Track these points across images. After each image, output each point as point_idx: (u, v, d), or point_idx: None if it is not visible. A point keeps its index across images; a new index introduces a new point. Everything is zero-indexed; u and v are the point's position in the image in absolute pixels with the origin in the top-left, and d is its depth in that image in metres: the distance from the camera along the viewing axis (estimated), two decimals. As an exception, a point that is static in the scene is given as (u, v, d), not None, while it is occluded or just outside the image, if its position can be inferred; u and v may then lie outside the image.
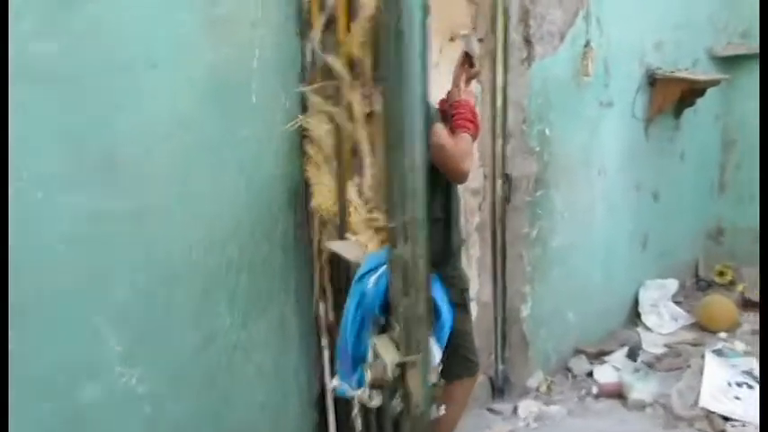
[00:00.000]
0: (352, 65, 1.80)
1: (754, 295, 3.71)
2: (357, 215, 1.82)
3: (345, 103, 1.83)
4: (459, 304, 1.83)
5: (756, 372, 2.86)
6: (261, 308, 1.85)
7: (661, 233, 3.78)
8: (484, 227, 2.77)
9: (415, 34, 1.21)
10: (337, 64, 1.80)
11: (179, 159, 1.61)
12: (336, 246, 1.88)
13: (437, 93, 1.94)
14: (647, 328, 3.45)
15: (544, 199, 2.79)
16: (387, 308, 1.47)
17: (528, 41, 2.55)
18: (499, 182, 2.67)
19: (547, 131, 2.73)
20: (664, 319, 3.50)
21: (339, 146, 1.91)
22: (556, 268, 2.93)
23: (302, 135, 1.88)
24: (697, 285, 4.13)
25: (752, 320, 3.52)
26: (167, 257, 1.61)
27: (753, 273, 4.23)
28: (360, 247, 1.77)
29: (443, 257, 1.80)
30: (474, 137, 1.78)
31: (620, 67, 3.15)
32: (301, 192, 1.94)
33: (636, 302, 3.57)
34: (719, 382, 2.66)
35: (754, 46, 4.15)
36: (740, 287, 3.98)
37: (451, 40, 2.68)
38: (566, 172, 2.88)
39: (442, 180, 1.73)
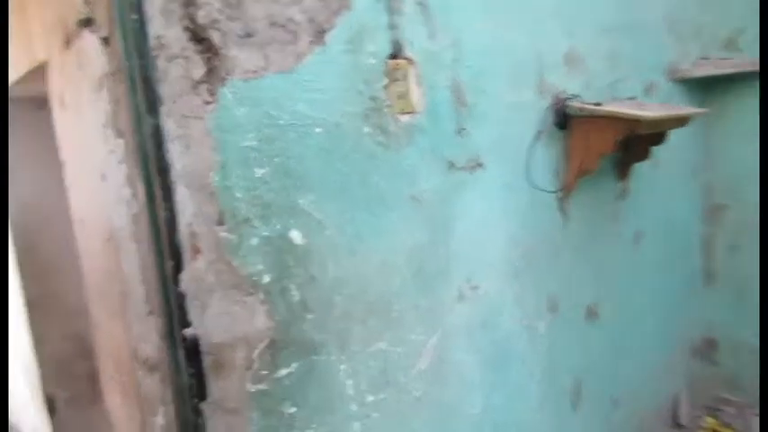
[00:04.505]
0: None
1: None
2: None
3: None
4: None
5: None
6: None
7: (605, 372, 2.26)
8: (170, 443, 1.27)
9: None
10: None
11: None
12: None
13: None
14: None
15: (305, 377, 1.29)
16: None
17: (202, 40, 1.10)
18: (181, 352, 1.19)
19: (293, 236, 1.26)
20: None
21: None
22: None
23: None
24: (678, 443, 2.58)
25: None
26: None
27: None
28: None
29: None
30: None
31: (493, 97, 1.71)
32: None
33: None
34: None
35: (746, 60, 2.72)
36: (748, 452, 2.43)
37: (67, 44, 1.25)
38: (368, 306, 1.40)
39: None
